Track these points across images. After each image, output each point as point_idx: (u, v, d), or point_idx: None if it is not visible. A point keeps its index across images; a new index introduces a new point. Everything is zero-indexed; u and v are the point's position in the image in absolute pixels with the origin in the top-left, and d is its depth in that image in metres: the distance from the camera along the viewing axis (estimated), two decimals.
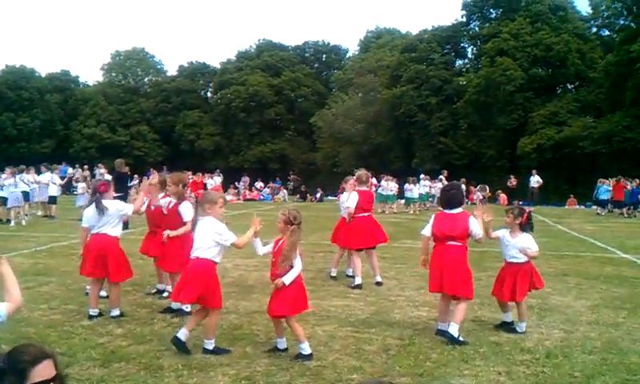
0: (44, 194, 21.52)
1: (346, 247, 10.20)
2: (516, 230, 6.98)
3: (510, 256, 6.99)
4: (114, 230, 7.39)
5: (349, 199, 9.84)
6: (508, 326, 7.08)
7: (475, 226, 6.72)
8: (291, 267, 5.91)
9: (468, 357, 6.07)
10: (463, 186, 5.99)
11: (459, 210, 6.87)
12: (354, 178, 10.22)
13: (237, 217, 21.65)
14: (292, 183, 43.44)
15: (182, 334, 6.10)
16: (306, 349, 5.97)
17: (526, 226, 7.01)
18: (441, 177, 31.35)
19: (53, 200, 21.30)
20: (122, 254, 7.52)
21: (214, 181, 36.06)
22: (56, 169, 23.78)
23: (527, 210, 7.19)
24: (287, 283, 5.87)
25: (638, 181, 27.74)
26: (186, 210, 7.73)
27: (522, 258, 6.89)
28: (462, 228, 6.74)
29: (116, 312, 7.39)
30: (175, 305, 7.52)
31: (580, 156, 39.75)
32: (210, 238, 6.09)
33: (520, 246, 6.83)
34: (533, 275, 7.01)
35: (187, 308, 7.50)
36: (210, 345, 6.09)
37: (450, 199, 7.04)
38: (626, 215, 26.59)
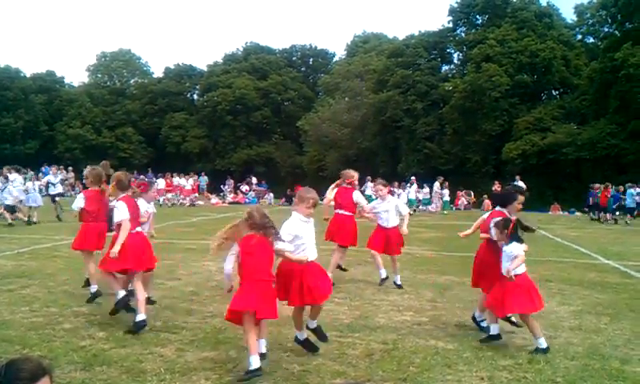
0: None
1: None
2: (506, 241, 6.65)
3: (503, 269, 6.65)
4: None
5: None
6: (494, 339, 6.73)
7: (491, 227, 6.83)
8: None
9: (451, 362, 6.07)
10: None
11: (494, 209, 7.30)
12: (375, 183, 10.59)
13: (221, 220, 21.56)
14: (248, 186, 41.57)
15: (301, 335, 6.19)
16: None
17: (514, 234, 6.66)
18: (412, 181, 31.45)
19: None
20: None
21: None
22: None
23: (513, 220, 6.75)
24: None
25: (622, 188, 28.01)
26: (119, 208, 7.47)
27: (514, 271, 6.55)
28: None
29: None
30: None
31: (564, 162, 40.02)
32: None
33: (506, 266, 6.54)
34: (526, 293, 6.50)
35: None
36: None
37: (495, 197, 7.42)
38: (605, 221, 26.71)
